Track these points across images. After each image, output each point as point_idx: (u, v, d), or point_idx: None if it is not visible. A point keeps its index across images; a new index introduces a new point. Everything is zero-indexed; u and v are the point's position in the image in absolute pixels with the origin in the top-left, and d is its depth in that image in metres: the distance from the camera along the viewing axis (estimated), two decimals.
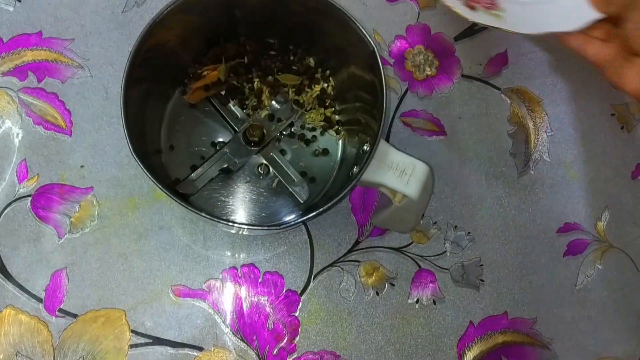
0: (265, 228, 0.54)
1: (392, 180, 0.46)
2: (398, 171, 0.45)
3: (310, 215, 0.46)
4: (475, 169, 0.60)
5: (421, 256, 0.58)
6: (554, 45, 0.63)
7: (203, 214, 0.45)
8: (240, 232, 0.57)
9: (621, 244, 0.59)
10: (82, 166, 0.57)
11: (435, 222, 0.59)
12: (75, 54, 0.60)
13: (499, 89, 0.63)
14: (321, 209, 0.45)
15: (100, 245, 0.56)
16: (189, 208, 0.45)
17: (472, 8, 0.44)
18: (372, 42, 0.47)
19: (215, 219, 0.46)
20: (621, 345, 0.58)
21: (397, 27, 0.64)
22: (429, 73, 0.63)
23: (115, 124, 0.58)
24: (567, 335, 0.58)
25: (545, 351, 0.58)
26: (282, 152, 0.57)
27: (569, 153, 0.61)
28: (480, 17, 0.44)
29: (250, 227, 0.52)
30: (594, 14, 0.41)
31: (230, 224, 0.46)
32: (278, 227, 0.55)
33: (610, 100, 0.63)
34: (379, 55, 0.46)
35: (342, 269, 0.57)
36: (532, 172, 0.61)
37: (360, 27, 0.47)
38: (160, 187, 0.44)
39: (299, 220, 0.49)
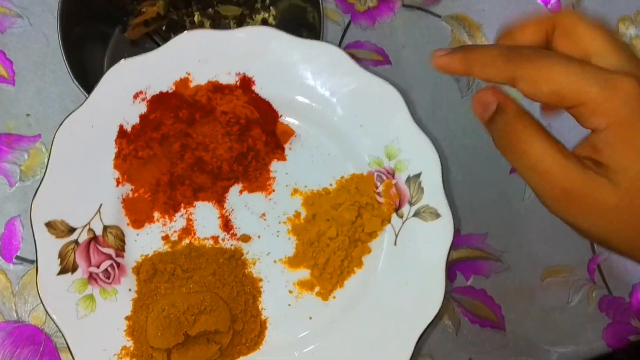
0: None
1: None
2: None
3: None
4: (420, 95, 0.61)
5: None
6: None
7: None
8: None
9: None
10: (28, 114, 0.57)
11: None
12: (11, 3, 0.59)
13: (439, 16, 0.64)
14: None
15: None
16: None
17: None
18: None
19: None
20: (570, 253, 0.59)
21: None
22: (371, 4, 0.63)
23: (58, 71, 0.58)
24: (518, 247, 0.59)
25: (497, 263, 0.59)
26: None
27: None
28: None
29: None
30: None
31: None
32: None
33: None
34: None
35: None
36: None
37: None
38: None
39: None
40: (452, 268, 0.57)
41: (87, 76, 0.53)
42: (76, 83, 0.51)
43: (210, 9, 0.57)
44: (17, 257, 0.55)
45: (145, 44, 0.57)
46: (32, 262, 0.55)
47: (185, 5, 0.57)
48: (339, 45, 0.61)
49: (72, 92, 0.51)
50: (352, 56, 0.52)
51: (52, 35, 0.58)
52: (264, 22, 0.57)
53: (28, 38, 0.59)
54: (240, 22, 0.57)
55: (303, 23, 0.58)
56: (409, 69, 0.62)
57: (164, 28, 0.57)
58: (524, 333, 0.57)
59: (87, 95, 0.49)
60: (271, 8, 0.58)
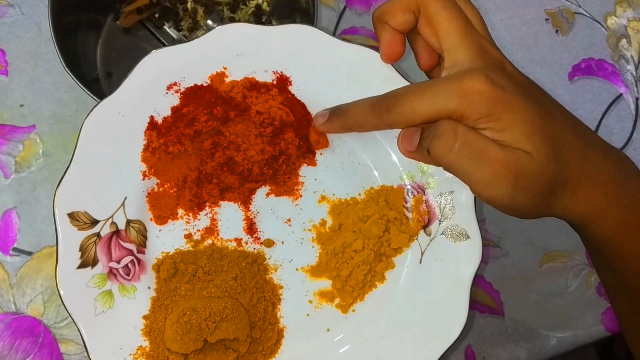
0: None
1: None
2: None
3: None
4: (417, 81, 0.60)
5: None
6: None
7: None
8: None
9: None
10: (21, 105, 0.56)
11: None
12: None
13: None
14: None
15: (48, 183, 0.55)
16: None
17: None
18: None
19: None
20: (568, 239, 0.59)
21: None
22: None
23: (51, 61, 0.57)
24: (516, 233, 0.59)
25: (495, 249, 0.59)
26: None
27: (507, 58, 0.62)
28: None
29: None
30: None
31: None
32: None
33: (543, 6, 0.64)
34: None
35: None
36: None
37: None
38: None
39: None
40: None
41: (80, 65, 0.53)
42: (69, 72, 0.49)
43: None
44: (14, 249, 0.54)
45: (138, 31, 0.57)
46: (29, 253, 0.54)
47: None
48: (334, 31, 0.60)
49: (65, 82, 0.50)
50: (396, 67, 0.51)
51: (45, 24, 0.56)
52: (258, 8, 0.56)
53: (20, 27, 0.58)
54: (233, 8, 0.56)
55: (297, 8, 0.57)
56: (405, 53, 0.60)
57: (156, 15, 0.56)
58: (522, 318, 0.58)
59: (80, 84, 0.49)
60: None
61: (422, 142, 0.40)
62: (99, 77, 0.56)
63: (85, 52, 0.55)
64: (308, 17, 0.54)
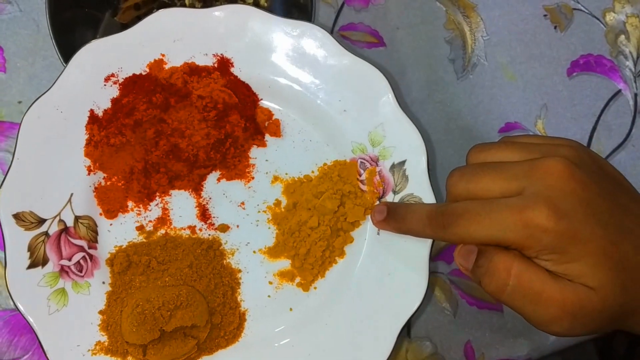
0: None
1: None
2: None
3: None
4: (415, 77, 0.60)
5: None
6: None
7: None
8: None
9: None
10: (19, 102, 0.56)
11: None
12: None
13: None
14: None
15: None
16: None
17: None
18: None
19: None
20: None
21: None
22: None
23: (49, 57, 0.57)
24: None
25: None
26: None
27: (506, 55, 0.61)
28: None
29: None
30: None
31: None
32: None
33: (541, 2, 0.63)
34: None
35: None
36: (471, 76, 0.61)
37: None
38: None
39: None
40: (448, 251, 0.56)
41: None
42: None
43: None
44: None
45: None
46: None
47: None
48: (332, 28, 0.60)
49: None
50: (339, 38, 0.50)
51: (43, 21, 0.56)
52: (256, 5, 0.54)
53: (18, 24, 0.58)
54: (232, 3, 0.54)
55: (294, 3, 0.56)
56: (403, 50, 0.60)
57: (154, 11, 0.54)
58: None
59: None
60: None
61: (475, 269, 0.37)
62: None
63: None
64: (306, 12, 0.53)
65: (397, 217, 0.44)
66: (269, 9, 0.54)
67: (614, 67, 0.62)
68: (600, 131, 0.61)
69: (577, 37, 0.62)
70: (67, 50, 0.49)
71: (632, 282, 0.34)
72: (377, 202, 0.51)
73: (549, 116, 0.60)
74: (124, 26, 0.54)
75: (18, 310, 0.45)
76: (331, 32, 0.58)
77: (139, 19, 0.51)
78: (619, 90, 0.61)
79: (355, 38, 0.60)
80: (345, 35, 0.60)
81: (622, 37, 0.63)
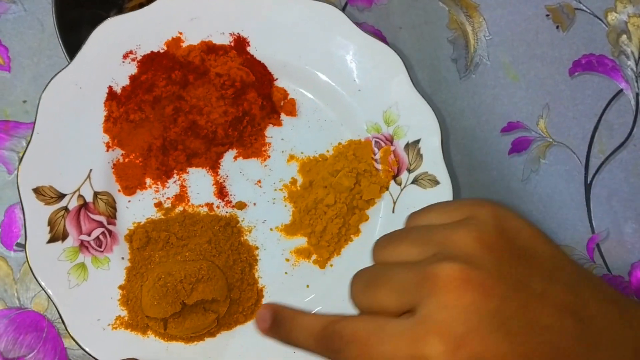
0: None
1: None
2: None
3: None
4: (418, 77, 0.60)
5: None
6: None
7: None
8: None
9: (563, 139, 0.61)
10: (24, 101, 0.56)
11: None
12: None
13: None
14: None
15: None
16: None
17: None
18: None
19: None
20: (569, 233, 0.59)
21: None
22: None
23: (54, 57, 0.57)
24: None
25: None
26: None
27: (508, 55, 0.62)
28: None
29: None
30: None
31: None
32: None
33: (544, 2, 0.63)
34: None
35: None
36: (473, 76, 0.61)
37: None
38: None
39: None
40: None
41: None
42: None
43: None
44: (18, 244, 0.54)
45: None
46: None
47: None
48: None
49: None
50: (352, 18, 0.51)
51: (47, 20, 0.57)
52: None
53: (23, 24, 0.58)
54: None
55: None
56: (406, 50, 0.60)
57: None
58: None
59: None
60: None
61: None
62: None
63: None
64: None
65: (282, 329, 0.36)
66: None
67: (616, 67, 0.62)
68: (602, 131, 0.61)
69: (579, 37, 0.63)
70: (73, 50, 0.49)
71: None
72: (392, 181, 0.51)
73: (551, 116, 0.61)
74: None
75: (39, 283, 0.44)
76: None
77: None
78: (621, 90, 0.62)
79: None
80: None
81: (624, 36, 0.63)
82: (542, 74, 0.62)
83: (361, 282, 0.33)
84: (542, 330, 0.28)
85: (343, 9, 0.60)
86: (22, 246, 0.52)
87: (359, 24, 0.51)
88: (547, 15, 0.63)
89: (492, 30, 0.62)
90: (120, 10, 0.55)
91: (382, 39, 0.60)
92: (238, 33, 0.50)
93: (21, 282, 0.53)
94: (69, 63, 0.47)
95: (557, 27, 0.63)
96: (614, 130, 0.61)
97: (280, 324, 0.36)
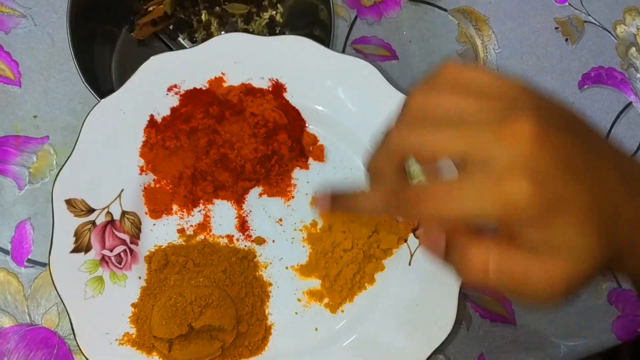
0: None
1: None
2: None
3: None
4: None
5: None
6: None
7: None
8: None
9: None
10: (35, 116, 0.56)
11: None
12: (16, 3, 0.59)
13: (445, 10, 0.63)
14: None
15: None
16: None
17: None
18: None
19: None
20: None
21: None
22: None
23: (65, 72, 0.57)
24: None
25: None
26: None
27: (517, 68, 0.63)
28: None
29: None
30: None
31: None
32: None
33: (553, 15, 0.64)
34: None
35: None
36: None
37: None
38: None
39: None
40: None
41: (95, 77, 0.54)
42: (86, 84, 0.51)
43: (217, 8, 0.58)
44: (29, 260, 0.54)
45: (153, 43, 0.58)
46: (43, 265, 0.54)
47: (192, 4, 0.58)
48: (345, 41, 0.61)
49: (79, 93, 0.51)
50: (387, 75, 0.53)
51: (57, 35, 0.58)
52: (272, 20, 0.58)
53: (33, 38, 0.58)
54: (247, 19, 0.58)
55: (314, 20, 0.58)
56: (415, 63, 0.61)
57: (171, 27, 0.57)
58: (534, 327, 0.56)
59: (96, 96, 0.50)
60: (279, 5, 0.58)
61: (447, 258, 0.33)
62: (113, 88, 0.56)
63: (100, 63, 0.57)
64: (325, 28, 0.55)
65: (344, 199, 0.37)
66: (284, 24, 0.57)
67: (625, 80, 0.62)
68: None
69: (588, 50, 0.63)
70: (84, 65, 0.51)
71: (614, 233, 0.32)
72: (411, 234, 0.52)
73: None
74: (141, 42, 0.57)
75: (56, 290, 0.46)
76: (344, 46, 0.60)
77: (155, 35, 0.55)
78: (630, 103, 0.62)
79: (368, 51, 0.61)
80: (359, 49, 0.61)
81: (633, 49, 0.63)
82: (552, 86, 0.62)
83: (406, 121, 0.33)
84: (602, 178, 0.31)
85: (353, 23, 0.61)
86: (33, 262, 0.54)
87: (366, 39, 0.52)
88: (557, 28, 0.63)
89: (501, 44, 0.63)
90: (132, 26, 0.57)
91: (392, 52, 0.61)
92: (276, 79, 0.53)
93: (32, 298, 0.53)
94: (118, 89, 0.50)
95: (567, 40, 0.63)
96: (623, 143, 0.61)
97: (341, 198, 0.37)
